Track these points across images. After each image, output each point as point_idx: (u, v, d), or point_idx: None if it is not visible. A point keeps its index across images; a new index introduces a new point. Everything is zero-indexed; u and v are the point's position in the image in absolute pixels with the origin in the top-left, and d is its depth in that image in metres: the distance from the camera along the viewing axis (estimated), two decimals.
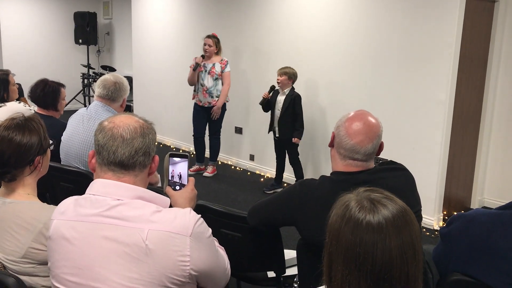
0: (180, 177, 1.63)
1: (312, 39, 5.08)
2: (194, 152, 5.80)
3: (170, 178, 1.63)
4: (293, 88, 4.78)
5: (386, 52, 4.47)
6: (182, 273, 1.25)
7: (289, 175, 5.22)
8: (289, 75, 4.74)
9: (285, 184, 5.23)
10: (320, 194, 1.75)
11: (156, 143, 1.44)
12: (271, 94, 4.86)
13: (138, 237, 1.23)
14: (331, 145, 1.82)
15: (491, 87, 4.53)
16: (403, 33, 4.32)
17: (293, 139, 4.76)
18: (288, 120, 4.75)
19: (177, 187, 1.62)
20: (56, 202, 2.82)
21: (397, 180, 1.77)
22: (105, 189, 1.32)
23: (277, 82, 4.79)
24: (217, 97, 5.34)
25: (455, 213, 4.70)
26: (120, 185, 1.32)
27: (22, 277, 1.49)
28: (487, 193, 4.76)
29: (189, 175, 1.64)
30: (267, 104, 4.89)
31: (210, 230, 1.35)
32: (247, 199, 4.91)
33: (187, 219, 1.28)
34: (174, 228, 1.25)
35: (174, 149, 6.83)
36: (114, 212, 1.27)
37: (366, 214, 1.01)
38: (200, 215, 1.33)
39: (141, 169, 1.36)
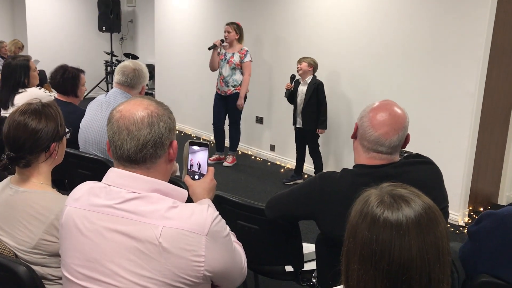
0: (199, 166, 1.57)
1: (335, 28, 4.96)
2: (214, 141, 5.77)
3: (189, 167, 1.57)
4: (315, 77, 4.67)
5: (413, 42, 4.32)
6: (195, 273, 1.18)
7: (309, 166, 5.14)
8: (309, 62, 4.62)
9: (305, 176, 5.15)
10: (341, 188, 1.67)
11: (174, 128, 1.33)
12: (293, 84, 4.76)
13: (151, 233, 1.16)
14: (354, 136, 1.74)
15: None
16: (432, 22, 4.17)
17: (317, 130, 4.67)
18: (312, 110, 4.63)
19: (196, 177, 1.56)
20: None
21: (423, 174, 1.67)
22: (121, 180, 1.25)
23: (298, 70, 4.67)
24: (232, 86, 5.26)
25: (481, 209, 4.55)
26: (137, 177, 1.25)
27: (33, 267, 1.46)
28: None
29: (208, 165, 1.58)
30: (291, 95, 4.78)
31: (228, 228, 1.27)
32: (266, 189, 4.85)
33: (203, 217, 1.20)
34: (190, 226, 1.17)
35: (194, 138, 6.81)
36: (129, 206, 1.21)
37: (385, 210, 0.94)
38: (218, 212, 1.25)
39: (153, 161, 1.28)
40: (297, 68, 4.66)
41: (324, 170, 4.83)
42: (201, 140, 6.52)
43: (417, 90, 4.33)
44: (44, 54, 8.53)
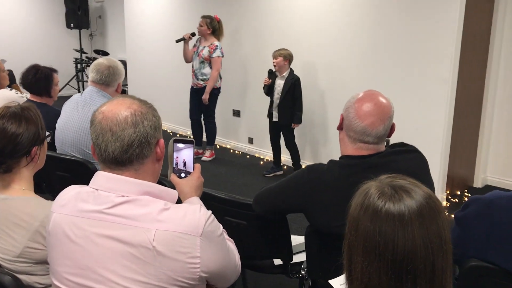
0: (185, 164, 1.54)
1: (310, 19, 4.95)
2: (191, 136, 5.71)
3: (174, 166, 1.54)
4: (292, 71, 4.65)
5: (386, 30, 4.35)
6: (191, 275, 1.16)
7: (288, 158, 5.15)
8: (284, 56, 4.59)
9: (284, 167, 5.16)
10: (329, 179, 1.67)
11: (160, 126, 1.30)
12: (270, 79, 4.73)
13: (144, 237, 1.13)
14: (340, 128, 1.73)
15: (493, 63, 4.43)
16: (405, 9, 4.20)
17: (292, 124, 4.67)
18: (288, 104, 4.63)
19: (183, 175, 1.53)
20: (52, 192, 2.76)
21: (410, 162, 1.69)
22: (109, 184, 1.21)
23: (274, 65, 4.65)
24: (202, 80, 5.21)
25: (458, 192, 4.63)
26: (125, 180, 1.21)
27: (19, 276, 1.41)
28: (490, 171, 4.71)
29: (197, 162, 1.56)
30: (270, 89, 4.76)
31: (221, 226, 1.25)
32: (247, 183, 4.83)
33: (197, 218, 1.17)
34: (184, 228, 1.15)
35: (171, 134, 6.74)
36: (119, 210, 1.17)
37: (386, 201, 0.94)
38: (211, 211, 1.22)
39: (140, 162, 1.24)
40: (273, 62, 4.64)
41: (301, 162, 4.86)
42: (178, 135, 6.46)
43: (391, 78, 4.37)
44: (11, 53, 8.26)
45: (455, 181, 4.46)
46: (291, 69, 4.66)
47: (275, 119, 4.79)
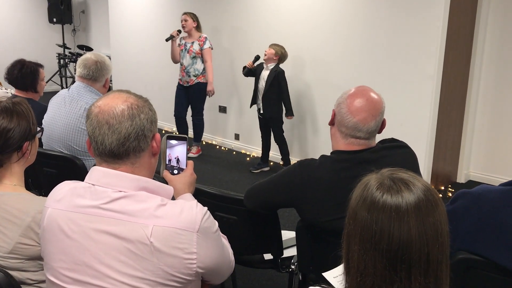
0: (178, 160, 1.54)
1: (296, 14, 4.97)
2: (177, 133, 5.69)
3: (167, 162, 1.54)
4: (278, 64, 4.67)
5: (372, 27, 4.39)
6: (188, 271, 1.17)
7: (275, 154, 5.17)
8: (276, 51, 4.61)
9: (271, 163, 5.17)
10: (321, 174, 1.69)
11: (156, 120, 1.30)
12: (255, 64, 4.76)
13: (142, 233, 1.13)
14: (332, 123, 1.75)
15: (477, 61, 4.51)
16: (390, 7, 4.24)
17: (287, 117, 4.70)
18: (272, 96, 4.65)
19: (175, 171, 1.53)
20: (39, 189, 2.73)
21: (401, 158, 1.72)
22: (105, 179, 1.21)
23: (264, 54, 4.67)
24: (194, 76, 5.20)
25: (443, 187, 4.70)
26: (123, 175, 1.21)
27: (11, 272, 1.40)
28: (473, 167, 4.79)
29: (188, 158, 1.56)
30: (249, 73, 4.81)
31: (216, 223, 1.26)
32: (234, 179, 4.84)
33: (193, 214, 1.18)
34: (181, 224, 1.15)
35: (163, 132, 6.69)
36: (116, 206, 1.17)
37: (384, 192, 0.96)
38: (207, 208, 1.23)
39: (137, 155, 1.24)
40: (265, 51, 4.65)
41: (290, 157, 4.89)
42: (163, 131, 6.43)
43: (377, 74, 4.41)
44: None
45: (439, 176, 4.53)
46: (278, 63, 4.67)
47: (261, 111, 4.79)
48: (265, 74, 4.69)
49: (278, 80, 4.60)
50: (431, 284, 0.94)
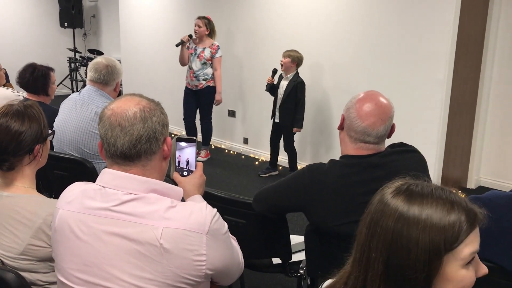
0: (187, 162, 1.55)
1: (303, 18, 4.98)
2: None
3: (177, 164, 1.55)
4: (297, 73, 4.63)
5: (383, 32, 4.38)
6: (197, 273, 1.17)
7: (284, 158, 5.17)
8: (293, 58, 4.56)
9: (280, 167, 5.17)
10: (330, 179, 1.69)
11: (167, 124, 1.32)
12: (274, 78, 4.72)
13: (151, 235, 1.14)
14: (341, 128, 1.75)
15: (487, 66, 4.48)
16: (401, 11, 4.24)
17: (293, 129, 4.66)
18: (289, 106, 4.60)
19: (185, 173, 1.55)
20: (50, 191, 2.75)
21: (410, 162, 1.71)
22: (116, 181, 1.22)
23: (281, 65, 4.64)
24: (204, 80, 5.22)
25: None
26: (133, 177, 1.22)
27: (22, 273, 1.41)
28: (483, 173, 4.75)
29: (197, 160, 1.57)
30: (273, 88, 4.73)
31: (226, 225, 1.26)
32: (242, 183, 4.84)
33: (203, 215, 1.18)
34: (190, 226, 1.16)
35: (172, 135, 6.73)
36: (126, 208, 1.18)
37: (397, 199, 0.93)
38: (216, 209, 1.24)
39: (148, 157, 1.25)
40: (281, 62, 4.61)
41: (300, 164, 4.88)
42: (173, 135, 6.45)
43: (388, 78, 4.40)
44: (4, 53, 8.23)
45: (449, 182, 4.50)
46: (297, 71, 4.64)
47: (277, 119, 4.78)
48: (284, 84, 4.64)
49: (296, 91, 4.55)
50: None
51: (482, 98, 4.55)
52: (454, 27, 3.96)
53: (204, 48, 5.19)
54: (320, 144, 5.12)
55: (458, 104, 4.31)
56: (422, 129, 4.22)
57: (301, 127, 4.67)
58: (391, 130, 1.73)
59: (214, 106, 5.37)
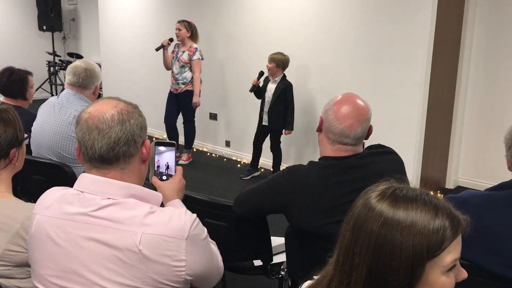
0: (167, 167, 1.55)
1: (284, 21, 5.01)
2: (167, 140, 5.68)
3: (156, 169, 1.55)
4: (284, 76, 4.64)
5: (362, 35, 4.44)
6: (176, 278, 1.17)
7: (266, 160, 5.18)
8: (277, 63, 4.56)
9: (262, 170, 5.18)
10: (309, 180, 1.70)
11: (145, 126, 1.31)
12: (260, 80, 4.72)
13: (130, 241, 1.13)
14: (319, 129, 1.77)
15: (464, 68, 4.57)
16: (378, 15, 4.30)
17: (284, 131, 4.67)
18: (278, 109, 4.61)
19: (164, 177, 1.54)
20: (28, 196, 2.72)
21: (388, 164, 1.74)
22: (94, 186, 1.20)
23: (267, 69, 4.65)
24: (183, 84, 5.21)
25: (431, 193, 4.77)
26: (111, 182, 1.21)
27: None
28: (461, 173, 4.84)
29: (176, 164, 1.56)
30: (259, 91, 4.73)
31: (205, 230, 1.26)
32: (224, 186, 4.84)
33: (182, 221, 1.18)
34: (169, 231, 1.15)
35: (147, 137, 6.68)
36: (105, 213, 1.17)
37: (382, 203, 0.92)
38: (196, 215, 1.23)
39: (127, 160, 1.24)
40: (267, 66, 4.62)
41: (283, 166, 4.90)
42: (154, 138, 6.42)
43: (366, 81, 4.45)
44: None
45: (428, 183, 4.57)
46: (284, 74, 4.66)
47: (264, 123, 4.77)
48: (271, 87, 4.65)
49: (285, 93, 4.56)
50: None
51: (459, 100, 4.64)
52: (431, 31, 4.03)
53: (183, 51, 5.19)
54: (304, 146, 5.14)
55: (436, 106, 4.38)
56: (401, 131, 4.28)
57: (292, 129, 4.69)
58: (368, 132, 1.75)
59: (194, 109, 5.37)
